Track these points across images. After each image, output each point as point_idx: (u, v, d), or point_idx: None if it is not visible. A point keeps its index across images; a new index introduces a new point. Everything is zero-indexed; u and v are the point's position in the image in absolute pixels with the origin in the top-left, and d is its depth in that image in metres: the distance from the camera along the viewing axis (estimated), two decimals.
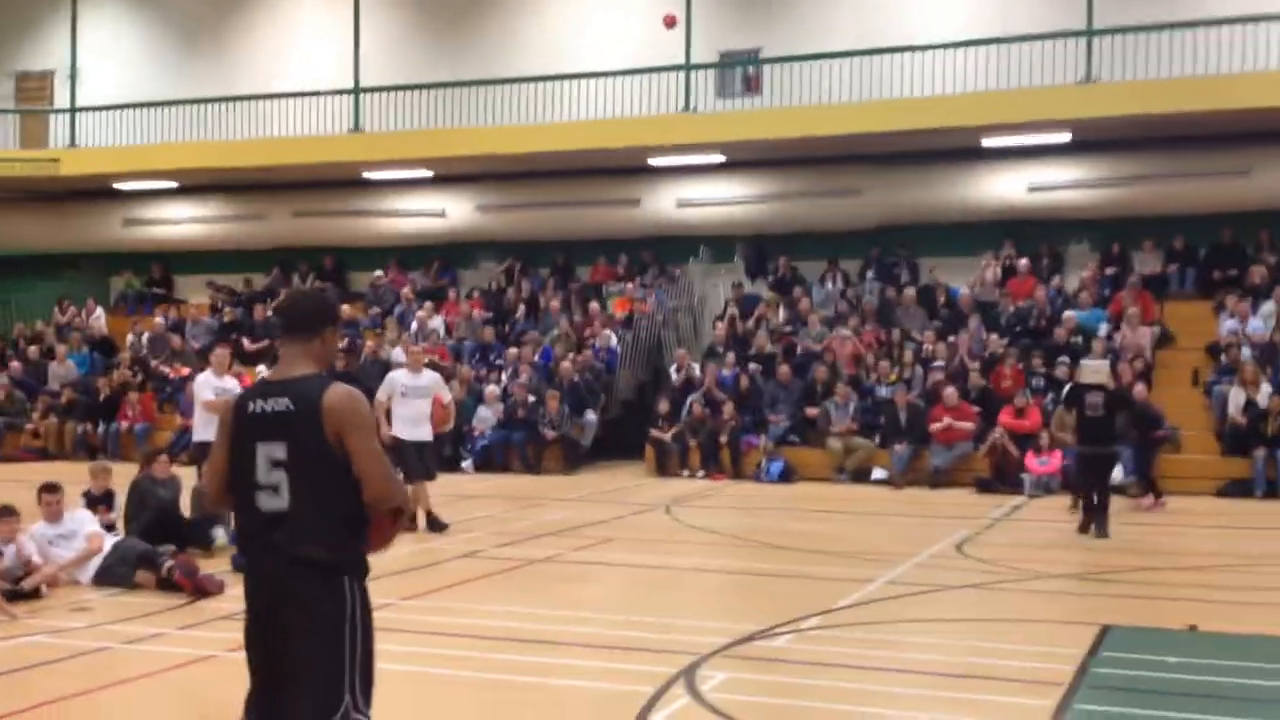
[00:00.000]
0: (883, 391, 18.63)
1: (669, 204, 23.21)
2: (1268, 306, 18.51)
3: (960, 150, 21.07)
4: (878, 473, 17.71)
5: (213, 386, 12.00)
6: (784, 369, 19.31)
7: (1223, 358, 17.89)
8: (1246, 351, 17.54)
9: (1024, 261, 20.84)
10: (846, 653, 7.83)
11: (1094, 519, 12.65)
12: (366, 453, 4.18)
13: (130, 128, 24.98)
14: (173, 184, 25.33)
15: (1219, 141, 19.88)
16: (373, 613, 4.40)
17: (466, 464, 19.14)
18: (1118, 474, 15.33)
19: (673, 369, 20.61)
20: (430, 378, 13.14)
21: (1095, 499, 12.76)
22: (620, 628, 8.46)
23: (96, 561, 9.54)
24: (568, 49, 23.35)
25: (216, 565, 10.23)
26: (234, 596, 9.28)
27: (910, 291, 20.85)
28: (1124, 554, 11.70)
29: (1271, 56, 18.42)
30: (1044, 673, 7.20)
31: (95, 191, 25.85)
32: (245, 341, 23.14)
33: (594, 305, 22.13)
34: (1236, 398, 16.85)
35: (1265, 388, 16.74)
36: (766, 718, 6.27)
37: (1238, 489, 16.08)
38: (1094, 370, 13.30)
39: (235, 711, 6.58)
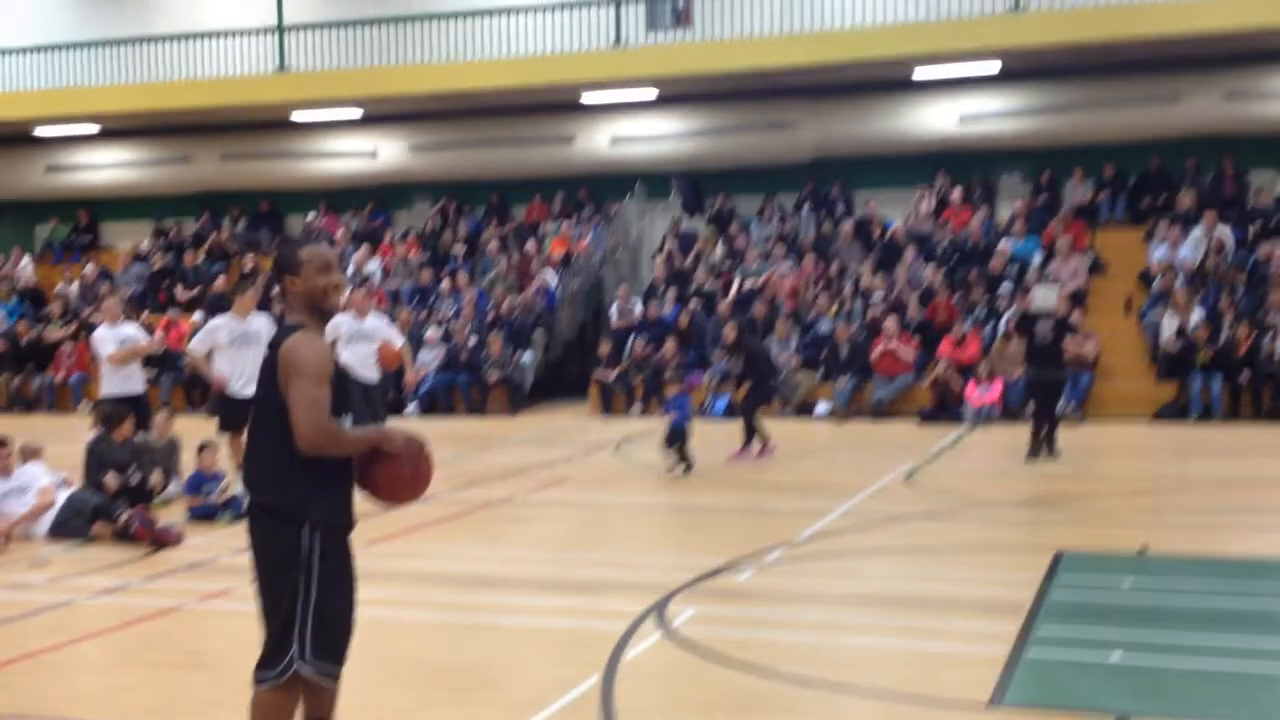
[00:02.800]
0: (823, 326, 18.79)
1: (603, 141, 23.06)
2: (1197, 233, 18.87)
3: (892, 82, 21.14)
4: (821, 406, 17.92)
5: (111, 338, 11.79)
6: (729, 329, 19.33)
7: (1154, 285, 18.24)
8: (1178, 278, 17.90)
9: (957, 192, 21.05)
10: (811, 584, 7.97)
11: (1045, 441, 13.01)
12: (295, 400, 4.21)
13: (49, 71, 24.25)
14: (95, 128, 24.66)
15: (1147, 68, 20.13)
16: (346, 563, 4.42)
17: (410, 408, 19.06)
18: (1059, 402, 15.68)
19: (613, 307, 20.60)
20: (375, 322, 13.00)
21: (1045, 424, 13.13)
22: (584, 566, 8.53)
23: (50, 515, 9.40)
24: None
25: (171, 515, 10.15)
26: (193, 546, 9.22)
27: (846, 225, 20.98)
28: (1070, 480, 11.97)
29: None
30: (1003, 597, 7.38)
31: (15, 138, 25.11)
32: (179, 289, 22.78)
33: (531, 245, 22.01)
34: (1169, 324, 17.22)
35: (1196, 313, 17.12)
36: (740, 650, 6.37)
37: (1172, 412, 16.48)
38: (1045, 297, 13.56)
39: (207, 660, 6.58)
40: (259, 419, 4.36)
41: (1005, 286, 18.38)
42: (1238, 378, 16.33)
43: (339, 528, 4.41)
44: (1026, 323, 13.46)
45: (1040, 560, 8.22)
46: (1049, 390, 13.32)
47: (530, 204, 23.80)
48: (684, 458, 12.42)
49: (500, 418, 18.68)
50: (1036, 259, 19.21)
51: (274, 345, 4.31)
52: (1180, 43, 18.81)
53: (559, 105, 22.67)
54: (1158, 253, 18.82)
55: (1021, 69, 20.36)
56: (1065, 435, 14.00)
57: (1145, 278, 18.72)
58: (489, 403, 19.12)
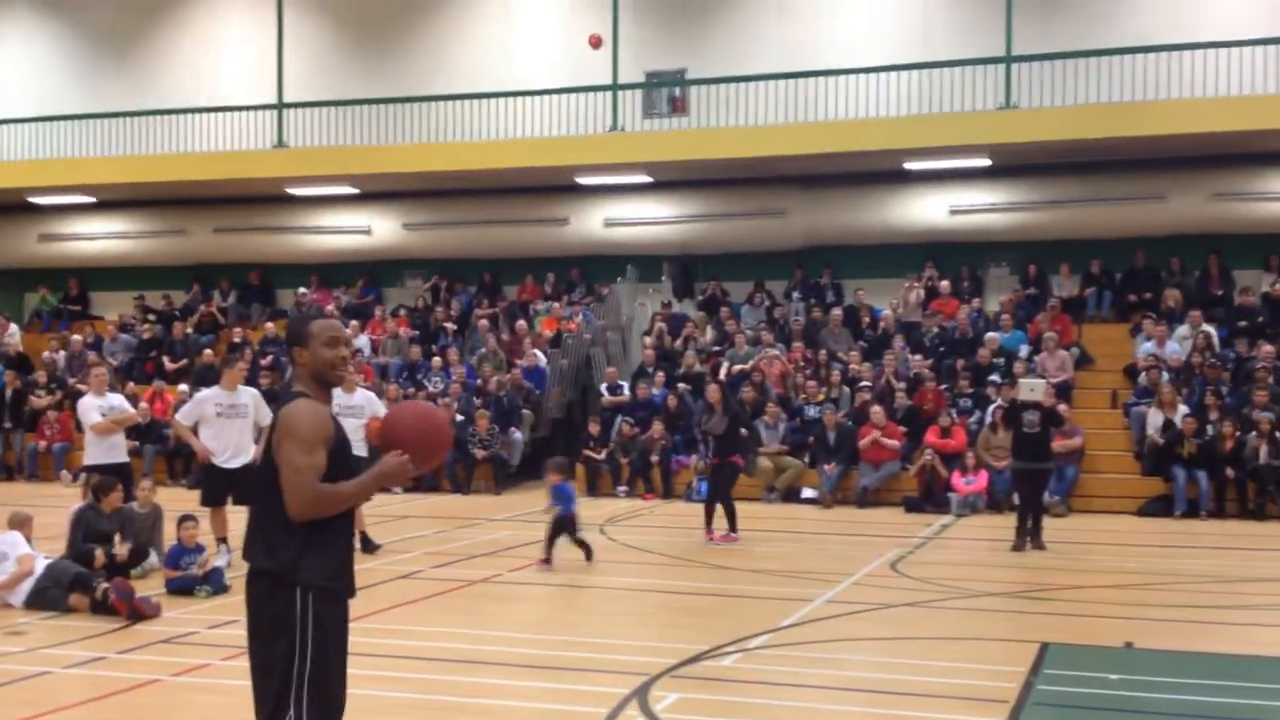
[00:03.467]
0: (811, 411, 18.82)
1: (596, 223, 23.26)
2: (1182, 329, 19.03)
3: (883, 173, 21.43)
4: (807, 492, 17.88)
5: (97, 407, 11.78)
6: (713, 388, 19.37)
7: (1140, 379, 18.34)
8: (1164, 374, 18.01)
9: (945, 283, 21.23)
10: (796, 672, 7.90)
11: (1030, 534, 13.01)
12: (282, 464, 4.24)
13: (47, 141, 24.42)
14: (90, 199, 24.81)
15: (1134, 167, 20.46)
16: (342, 632, 4.39)
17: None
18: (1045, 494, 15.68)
19: (603, 387, 20.63)
20: (363, 396, 12.99)
21: (1030, 514, 13.16)
22: (566, 648, 8.44)
23: (29, 584, 9.29)
24: (495, 67, 23.31)
25: (150, 587, 10.04)
26: (171, 620, 9.11)
27: (836, 312, 21.12)
28: (1057, 572, 11.93)
29: (1185, 84, 18.97)
30: (989, 690, 7.32)
31: (10, 206, 25.23)
32: (166, 360, 22.76)
33: (521, 324, 22.08)
34: (1155, 419, 17.28)
35: (1182, 409, 17.20)
36: None
37: (1157, 507, 16.49)
38: (1032, 388, 13.64)
39: None
40: (258, 481, 4.40)
41: (992, 377, 18.46)
42: (1222, 474, 16.36)
43: (334, 593, 4.37)
44: (1013, 414, 13.52)
45: (1026, 652, 8.17)
46: (1034, 481, 13.36)
47: (522, 283, 23.92)
48: (580, 545, 11.83)
49: (486, 496, 18.60)
50: (1023, 351, 19.33)
51: (277, 411, 4.38)
52: (1166, 142, 19.15)
53: (554, 187, 22.91)
54: (1144, 348, 18.95)
55: (1011, 164, 20.68)
56: (1051, 527, 13.99)
57: (1131, 372, 18.82)
58: (475, 480, 19.04)
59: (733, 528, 13.53)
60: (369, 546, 12.46)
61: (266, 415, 10.92)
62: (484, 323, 22.06)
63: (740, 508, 13.82)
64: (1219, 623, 9.66)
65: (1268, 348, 18.18)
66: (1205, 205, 20.23)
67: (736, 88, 21.25)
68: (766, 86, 21.08)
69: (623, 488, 18.55)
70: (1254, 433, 16.52)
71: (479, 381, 20.47)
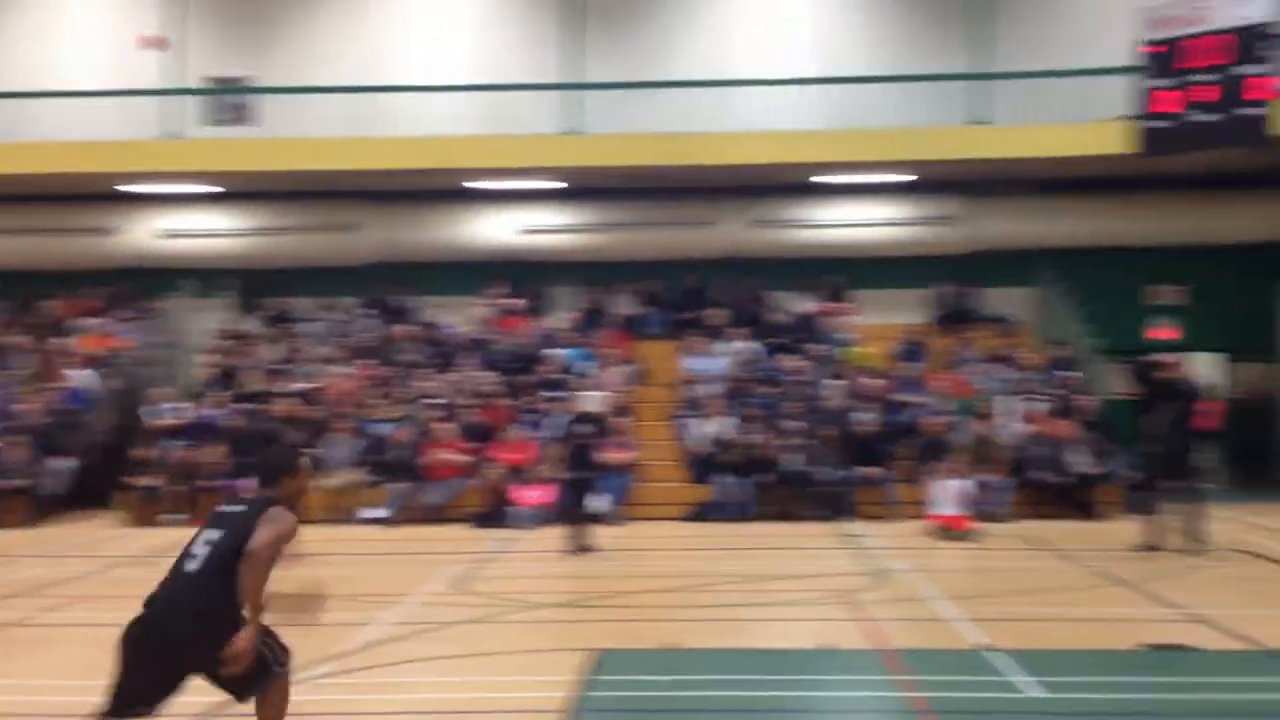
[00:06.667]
0: (380, 429, 18.63)
1: (148, 234, 21.96)
2: (727, 346, 20.47)
3: (456, 190, 21.65)
4: (374, 511, 17.67)
5: None
6: (279, 407, 18.81)
7: (689, 393, 19.53)
8: (710, 387, 19.30)
9: (515, 301, 21.70)
10: (358, 699, 7.78)
11: (581, 537, 13.61)
12: None
13: None
14: None
15: (687, 194, 21.84)
16: None
17: None
18: (602, 502, 16.37)
19: (153, 410, 19.43)
20: None
21: (581, 520, 13.88)
22: (101, 694, 7.85)
23: None
24: (40, 64, 21.55)
25: None
26: None
27: (407, 330, 21.05)
28: (611, 579, 12.45)
29: (732, 118, 20.47)
30: (542, 701, 7.51)
31: None
32: None
33: (59, 342, 20.40)
34: (701, 430, 18.47)
35: (727, 420, 18.48)
36: None
37: (703, 513, 17.59)
38: (590, 402, 14.26)
39: None
40: None
41: (556, 393, 19.04)
42: (761, 479, 17.69)
43: None
44: (572, 426, 14.07)
45: (582, 660, 8.47)
46: (582, 488, 13.96)
47: (63, 298, 22.12)
48: None
49: (19, 530, 17.02)
50: (585, 366, 20.09)
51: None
52: (715, 171, 20.59)
53: (97, 195, 21.41)
54: (692, 364, 20.22)
55: (579, 186, 21.49)
56: (606, 535, 14.62)
57: (681, 386, 19.99)
58: (6, 514, 17.38)
59: None
60: None
61: None
62: (19, 340, 20.21)
63: (305, 530, 13.44)
64: (756, 619, 10.43)
65: (800, 362, 19.92)
66: (747, 231, 21.90)
67: (310, 98, 20.78)
68: (339, 99, 20.78)
69: (175, 516, 17.51)
70: (787, 441, 18.01)
71: (14, 406, 18.73)
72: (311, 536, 13.76)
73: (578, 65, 21.57)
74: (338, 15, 22.54)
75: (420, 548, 15.19)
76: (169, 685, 5.72)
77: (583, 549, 14.03)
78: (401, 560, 14.28)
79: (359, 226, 22.05)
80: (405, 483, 17.69)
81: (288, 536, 5.71)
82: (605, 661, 8.52)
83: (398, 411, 18.99)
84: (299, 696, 7.78)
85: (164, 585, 5.79)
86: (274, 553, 5.64)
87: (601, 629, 9.84)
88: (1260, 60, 18.06)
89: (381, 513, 17.58)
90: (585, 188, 21.69)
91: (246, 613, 5.65)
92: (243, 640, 5.62)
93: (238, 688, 5.83)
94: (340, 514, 17.52)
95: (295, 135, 20.46)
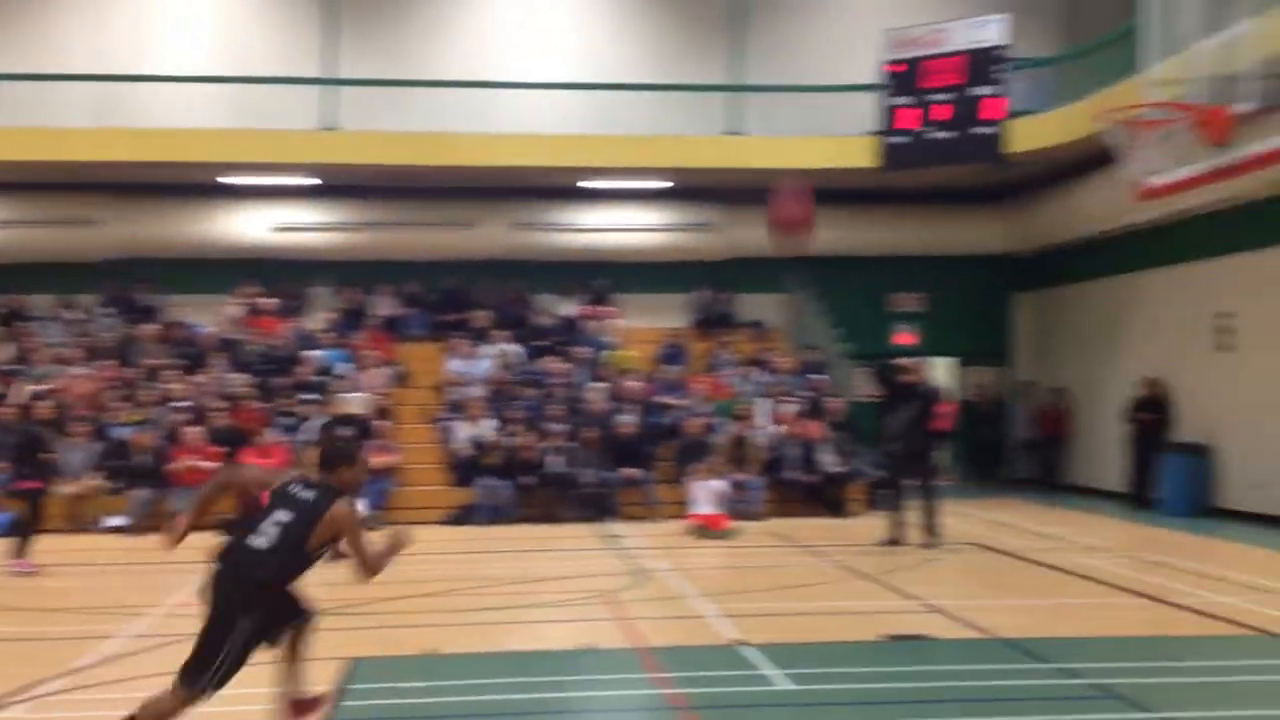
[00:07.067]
0: (121, 433, 17.74)
1: None
2: (490, 348, 20.40)
3: (204, 186, 20.84)
4: (115, 519, 16.80)
5: None
6: (7, 411, 17.64)
7: (451, 395, 19.37)
8: (473, 390, 19.21)
9: (269, 300, 21.03)
10: (93, 715, 7.39)
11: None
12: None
13: None
14: None
15: (449, 195, 21.64)
16: None
17: None
18: (360, 506, 16.00)
19: None
20: None
21: None
22: None
23: None
24: None
25: None
26: None
27: (152, 328, 20.13)
28: (367, 586, 12.17)
29: (492, 119, 20.41)
30: None
31: None
32: None
33: None
34: (464, 432, 18.35)
35: (489, 422, 18.42)
36: None
37: (465, 516, 17.49)
38: (350, 404, 13.91)
39: None
40: None
41: (312, 395, 18.57)
42: (524, 481, 17.72)
43: None
44: (330, 430, 13.70)
45: (336, 669, 8.28)
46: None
47: None
48: None
49: None
50: (344, 368, 19.65)
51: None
52: (475, 172, 20.49)
53: None
54: (454, 366, 20.06)
55: (337, 184, 21.00)
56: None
57: (443, 389, 19.81)
58: None
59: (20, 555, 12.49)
60: None
61: None
62: None
63: (44, 541, 12.74)
64: (516, 622, 10.44)
65: (562, 365, 20.04)
66: (509, 233, 21.88)
67: (50, 86, 19.61)
68: (82, 87, 19.70)
69: None
70: (549, 442, 18.09)
71: None
72: (49, 546, 13.13)
73: (334, 60, 21.11)
74: (79, 1, 21.38)
75: (165, 557, 14.48)
76: (236, 643, 6.12)
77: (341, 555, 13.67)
78: (145, 570, 13.62)
79: (100, 221, 20.94)
80: (148, 489, 16.89)
81: (361, 528, 6.42)
82: (360, 670, 8.36)
83: (140, 415, 18.12)
84: (29, 715, 7.36)
85: (226, 560, 6.19)
86: (364, 549, 6.39)
87: (358, 637, 9.63)
88: (994, 82, 19.24)
89: (123, 521, 16.74)
90: (344, 185, 21.23)
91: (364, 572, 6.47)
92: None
93: (278, 625, 6.44)
94: (79, 523, 16.61)
95: (33, 125, 19.28)
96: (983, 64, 19.33)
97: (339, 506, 6.29)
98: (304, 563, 6.33)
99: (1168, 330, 19.35)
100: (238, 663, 6.15)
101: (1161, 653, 9.12)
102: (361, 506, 15.89)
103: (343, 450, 6.65)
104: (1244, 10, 10.59)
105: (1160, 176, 11.93)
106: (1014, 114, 19.22)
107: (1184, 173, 11.56)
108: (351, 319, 21.26)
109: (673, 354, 21.08)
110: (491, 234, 21.87)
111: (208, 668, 6.09)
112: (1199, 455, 18.14)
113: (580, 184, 21.30)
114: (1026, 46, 20.65)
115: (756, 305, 22.87)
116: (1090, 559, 13.68)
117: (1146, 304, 20.02)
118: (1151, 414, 18.99)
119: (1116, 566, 13.18)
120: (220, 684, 6.15)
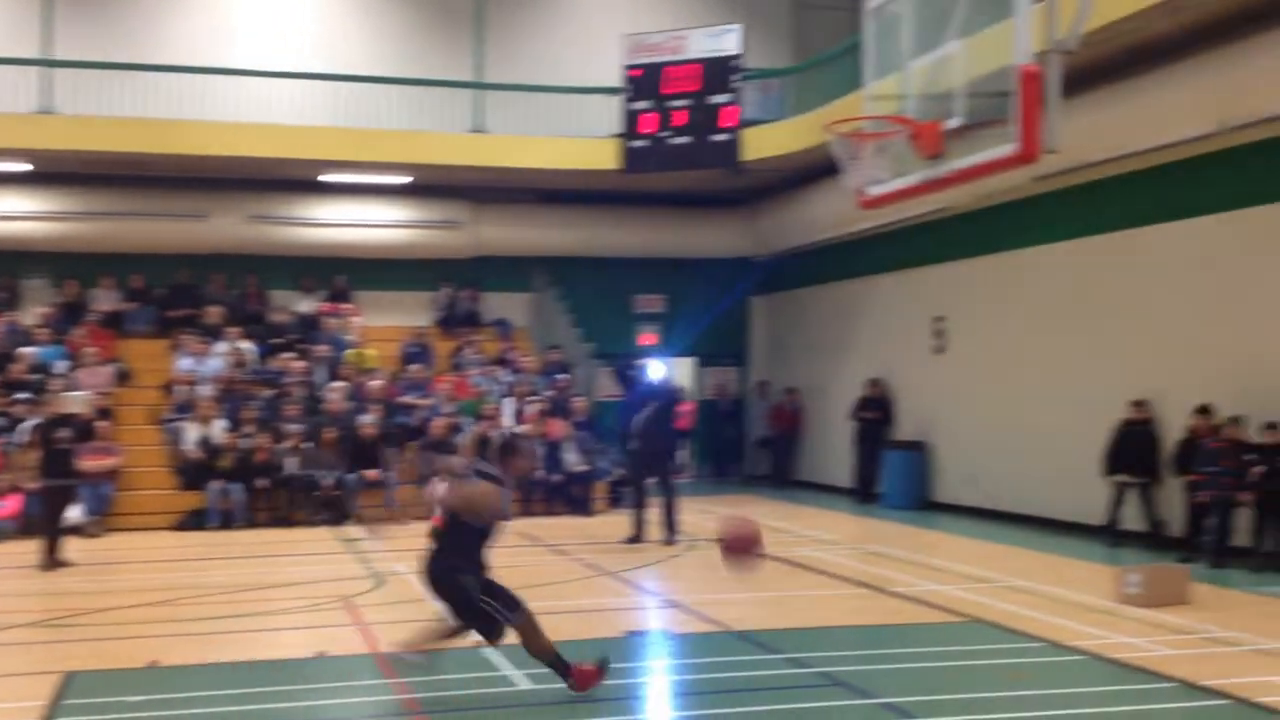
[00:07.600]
0: None
1: None
2: (222, 346, 19.59)
3: None
4: None
5: None
6: None
7: (179, 395, 18.51)
8: (203, 389, 18.40)
9: None
10: None
11: (54, 551, 12.71)
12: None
13: None
14: None
15: (179, 184, 20.65)
16: None
17: None
18: (77, 512, 15.21)
19: None
20: None
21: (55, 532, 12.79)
22: None
23: None
24: None
25: None
26: None
27: None
28: (86, 596, 11.54)
29: (222, 107, 19.60)
30: None
31: None
32: None
33: None
34: (193, 433, 17.57)
35: (220, 423, 17.69)
36: None
37: (194, 521, 16.74)
38: (73, 400, 13.20)
39: None
40: None
41: (25, 394, 17.41)
42: (258, 484, 17.10)
43: None
44: (47, 431, 12.94)
45: (49, 685, 7.78)
46: (58, 498, 12.99)
47: None
48: None
49: None
50: (61, 366, 18.50)
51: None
52: (209, 164, 19.62)
53: None
54: (184, 364, 19.17)
55: (52, 171, 19.71)
56: (84, 548, 13.60)
57: (171, 388, 18.91)
58: None
59: None
60: None
61: None
62: None
63: None
64: (247, 630, 10.05)
65: (299, 363, 19.45)
66: (244, 226, 21.06)
67: None
68: None
69: None
70: (285, 444, 17.53)
71: None
72: None
73: (50, 40, 19.84)
74: None
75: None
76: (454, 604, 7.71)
77: (56, 564, 12.92)
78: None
79: None
80: None
81: (479, 495, 7.63)
82: (74, 684, 7.87)
83: None
84: None
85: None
86: (460, 501, 7.70)
87: (74, 649, 9.08)
88: (730, 90, 19.80)
89: None
90: (62, 173, 19.95)
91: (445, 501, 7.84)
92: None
93: (474, 625, 7.78)
94: None
95: None
96: (719, 72, 19.85)
97: (478, 482, 7.70)
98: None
99: (891, 333, 20.38)
100: (489, 593, 7.66)
101: (883, 641, 9.57)
102: (78, 513, 15.08)
103: (507, 446, 8.02)
104: (954, 32, 11.23)
105: (879, 186, 12.53)
106: (749, 123, 19.82)
107: (899, 183, 12.17)
108: (69, 313, 20.03)
109: (416, 353, 20.76)
110: (226, 226, 21.00)
111: (481, 614, 7.62)
112: (918, 451, 19.19)
113: (321, 178, 20.71)
114: (760, 57, 21.35)
115: (501, 304, 22.80)
116: (819, 551, 14.26)
117: (872, 308, 21.03)
118: (875, 413, 19.97)
119: (843, 558, 13.78)
120: (502, 611, 7.66)
